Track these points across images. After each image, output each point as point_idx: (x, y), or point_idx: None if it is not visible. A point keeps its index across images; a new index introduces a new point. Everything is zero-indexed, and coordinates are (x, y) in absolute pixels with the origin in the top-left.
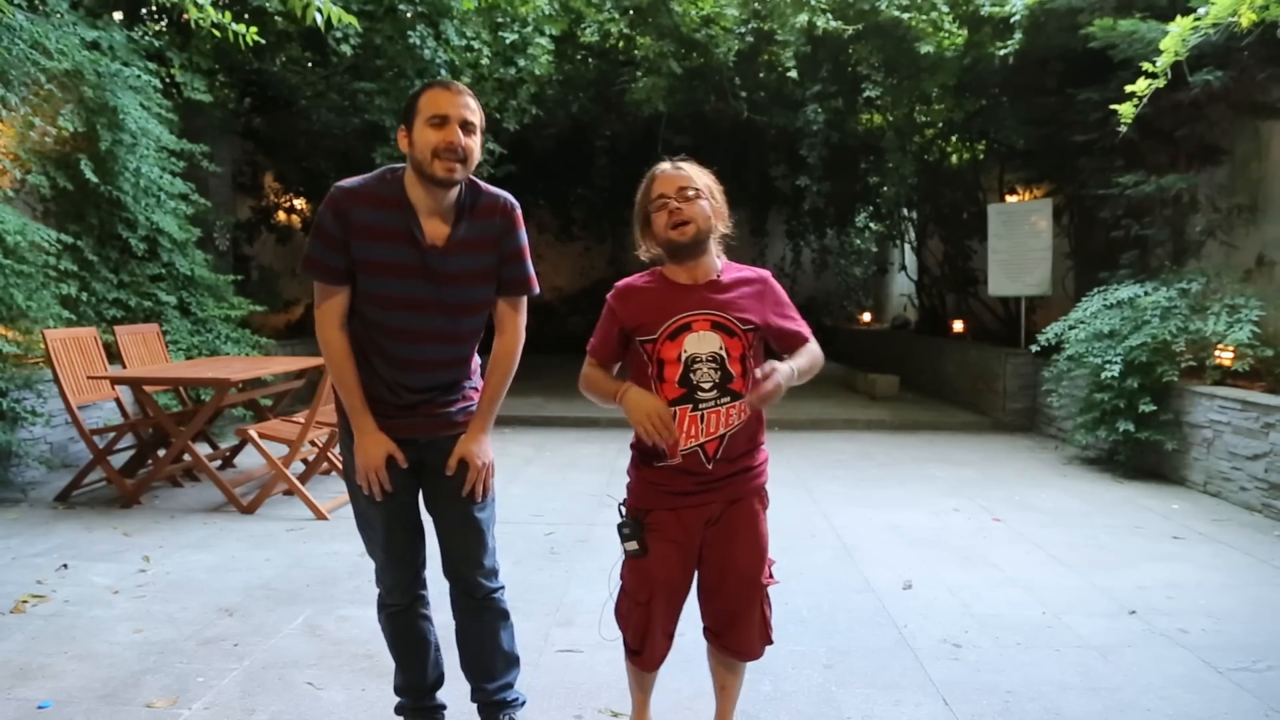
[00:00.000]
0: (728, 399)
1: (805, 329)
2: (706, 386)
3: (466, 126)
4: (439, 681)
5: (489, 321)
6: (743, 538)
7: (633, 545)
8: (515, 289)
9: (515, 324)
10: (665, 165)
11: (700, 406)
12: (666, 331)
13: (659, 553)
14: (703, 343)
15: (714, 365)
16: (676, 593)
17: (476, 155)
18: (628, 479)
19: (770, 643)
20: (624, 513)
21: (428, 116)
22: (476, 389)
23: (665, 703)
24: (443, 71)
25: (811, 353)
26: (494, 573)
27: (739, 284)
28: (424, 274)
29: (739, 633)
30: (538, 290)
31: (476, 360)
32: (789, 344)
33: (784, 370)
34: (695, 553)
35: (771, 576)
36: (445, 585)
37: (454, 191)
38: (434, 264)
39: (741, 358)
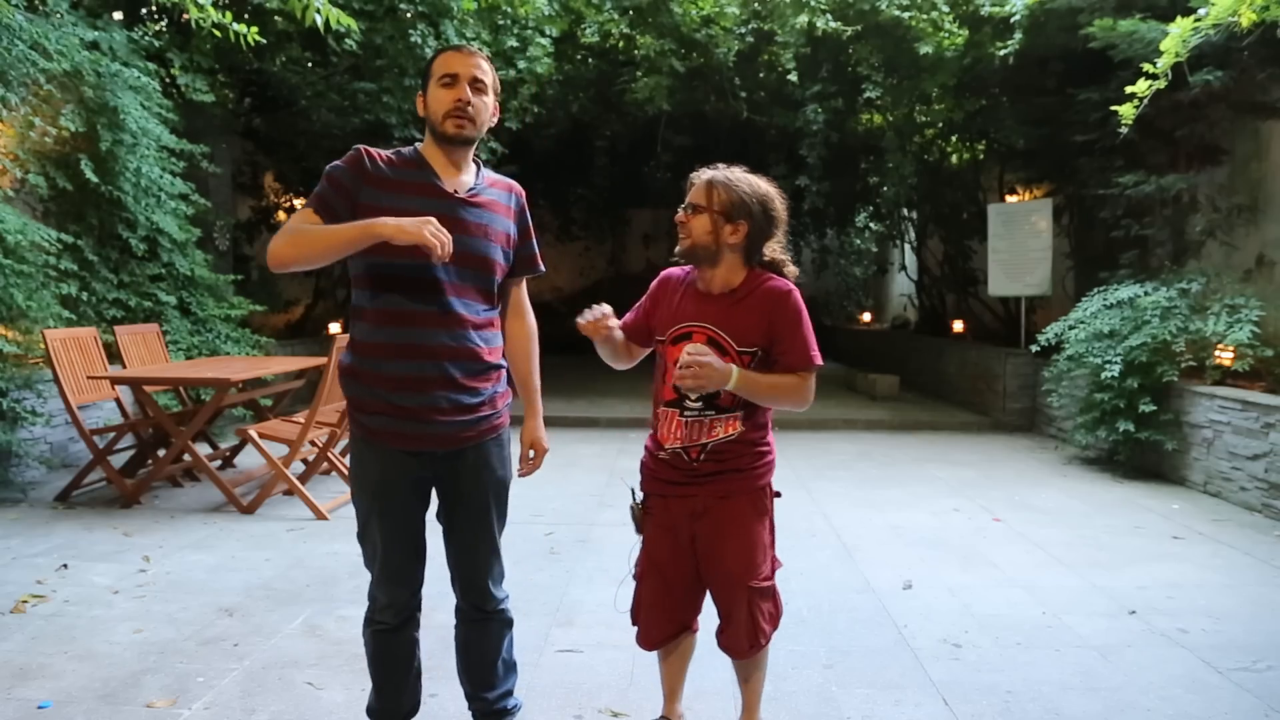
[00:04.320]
0: (712, 413)
1: (802, 360)
2: (693, 398)
3: (476, 84)
4: (414, 711)
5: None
6: (731, 537)
7: (633, 526)
8: (530, 266)
9: (528, 304)
10: (705, 172)
11: (686, 414)
12: (671, 336)
13: (650, 535)
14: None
15: None
16: (666, 575)
17: (487, 114)
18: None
19: (759, 646)
20: (634, 494)
21: (439, 76)
22: (503, 396)
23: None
24: None
25: (787, 383)
26: (502, 580)
27: (748, 300)
28: (441, 222)
29: (728, 629)
30: (543, 269)
31: (504, 369)
32: (780, 368)
33: (718, 365)
34: (687, 543)
35: (770, 579)
36: (433, 591)
37: (469, 158)
38: (457, 210)
39: None
